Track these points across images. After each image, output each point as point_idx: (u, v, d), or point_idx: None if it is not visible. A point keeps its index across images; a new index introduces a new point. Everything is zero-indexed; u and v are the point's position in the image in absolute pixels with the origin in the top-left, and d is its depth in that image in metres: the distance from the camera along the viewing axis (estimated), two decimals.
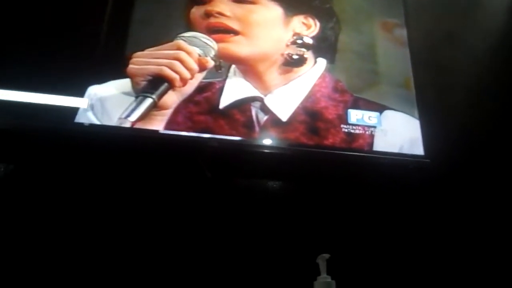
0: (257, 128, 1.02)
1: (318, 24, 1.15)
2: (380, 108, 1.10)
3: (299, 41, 1.11)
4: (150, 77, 0.97)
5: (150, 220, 0.99)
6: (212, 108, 1.02)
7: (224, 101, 1.03)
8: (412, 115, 1.12)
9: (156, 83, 0.97)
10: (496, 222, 1.11)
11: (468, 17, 1.40)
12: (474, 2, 1.44)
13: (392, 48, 1.21)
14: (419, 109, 1.11)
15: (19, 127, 0.96)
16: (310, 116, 1.06)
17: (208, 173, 1.03)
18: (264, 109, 1.04)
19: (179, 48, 1.00)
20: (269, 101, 1.05)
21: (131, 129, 0.94)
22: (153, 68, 0.98)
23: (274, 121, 1.03)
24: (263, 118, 1.04)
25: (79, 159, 1.01)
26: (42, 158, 1.01)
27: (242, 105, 1.04)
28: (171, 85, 0.98)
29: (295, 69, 1.10)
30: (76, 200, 0.98)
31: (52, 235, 0.95)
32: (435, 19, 1.35)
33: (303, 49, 1.11)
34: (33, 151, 1.01)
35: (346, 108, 1.09)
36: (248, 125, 1.02)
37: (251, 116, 1.03)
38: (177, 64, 0.98)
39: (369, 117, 1.08)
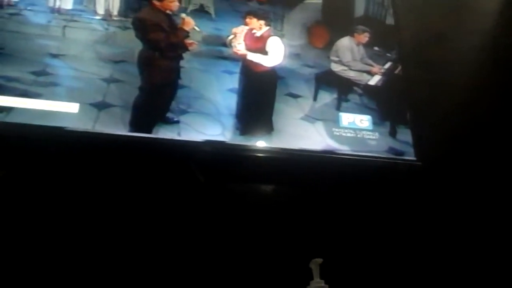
0: None
1: None
2: None
3: None
4: None
5: (143, 225, 0.99)
6: None
7: None
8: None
9: None
10: (489, 224, 1.12)
11: (458, 17, 1.40)
12: (464, 3, 1.44)
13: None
14: (409, 110, 1.10)
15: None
16: None
17: (201, 178, 1.02)
18: None
19: None
20: None
21: (121, 134, 0.94)
22: None
23: None
24: None
25: (69, 163, 1.00)
26: (36, 163, 0.99)
27: None
28: None
29: None
30: (66, 206, 0.97)
31: (41, 240, 0.94)
32: (426, 19, 1.35)
33: None
34: (26, 156, 1.00)
35: None
36: None
37: None
38: None
39: (361, 120, 1.07)
